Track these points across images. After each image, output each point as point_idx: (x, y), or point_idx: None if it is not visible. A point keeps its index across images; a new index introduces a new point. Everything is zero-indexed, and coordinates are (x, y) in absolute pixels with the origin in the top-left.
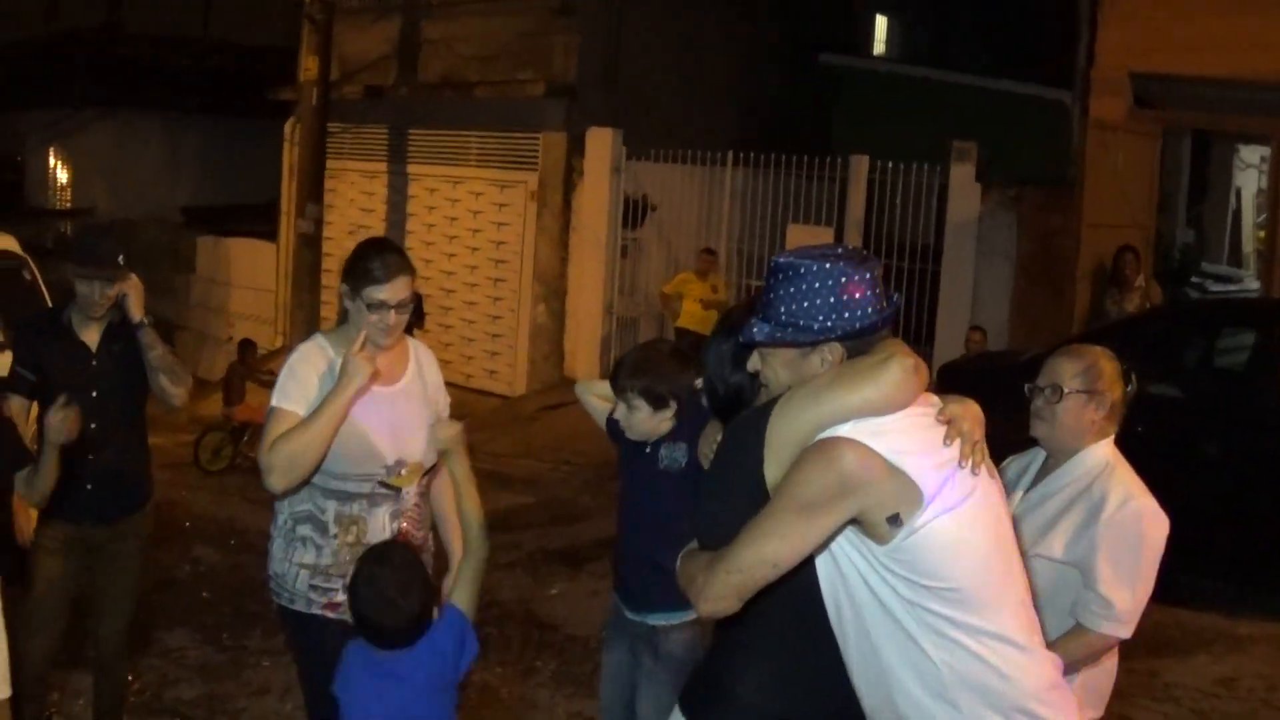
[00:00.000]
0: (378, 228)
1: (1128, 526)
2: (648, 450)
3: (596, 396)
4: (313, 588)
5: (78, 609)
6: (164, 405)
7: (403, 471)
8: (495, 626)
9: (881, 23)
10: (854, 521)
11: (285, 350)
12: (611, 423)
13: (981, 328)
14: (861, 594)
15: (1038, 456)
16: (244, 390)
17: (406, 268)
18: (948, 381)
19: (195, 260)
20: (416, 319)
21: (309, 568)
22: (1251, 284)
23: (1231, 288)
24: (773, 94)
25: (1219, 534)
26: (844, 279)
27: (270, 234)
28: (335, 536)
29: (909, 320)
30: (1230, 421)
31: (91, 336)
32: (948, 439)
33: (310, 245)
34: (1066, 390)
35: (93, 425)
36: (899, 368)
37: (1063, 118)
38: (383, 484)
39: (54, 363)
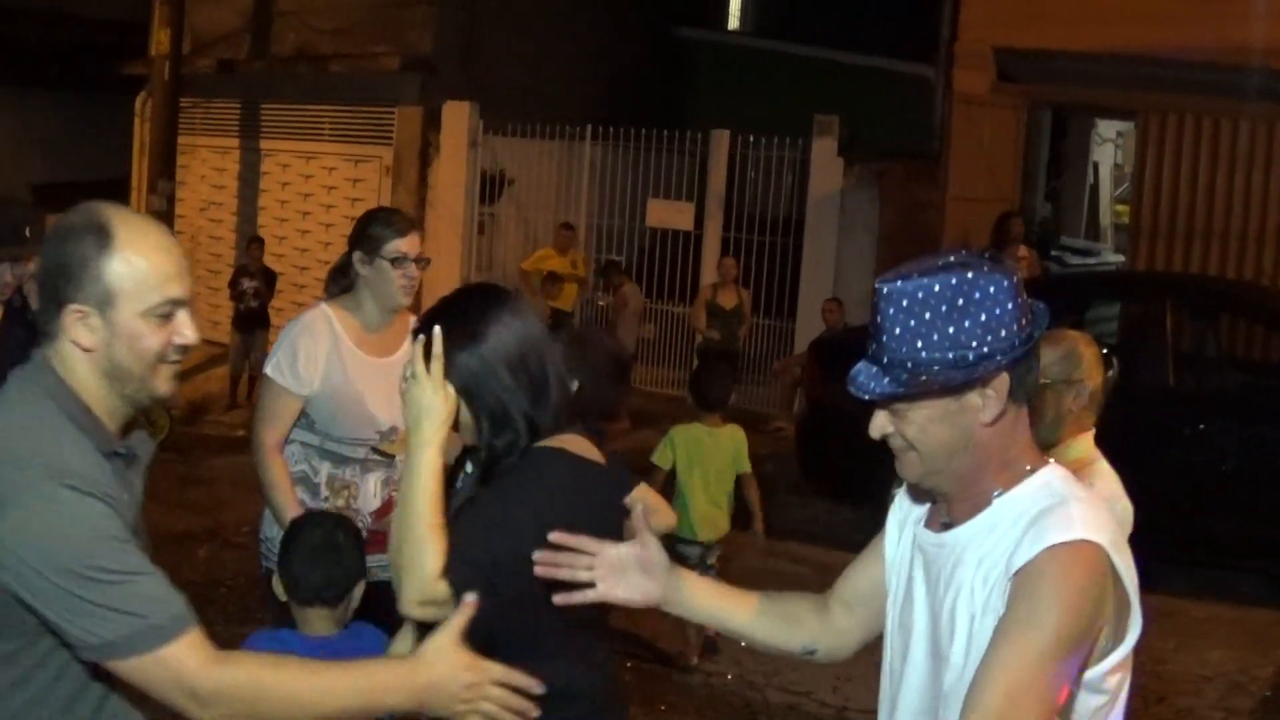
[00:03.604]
0: (230, 204)
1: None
2: None
3: None
4: None
5: None
6: None
7: (395, 439)
8: None
9: None
10: None
11: None
12: None
13: (839, 299)
14: None
15: None
16: None
17: (417, 225)
18: (823, 356)
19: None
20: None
21: None
22: (1109, 257)
23: (1090, 261)
24: (629, 68)
25: None
26: (991, 289)
27: None
28: (326, 500)
29: (771, 294)
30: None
31: None
32: None
33: (162, 223)
34: (1043, 380)
35: None
36: None
37: (925, 93)
38: (375, 450)
39: None
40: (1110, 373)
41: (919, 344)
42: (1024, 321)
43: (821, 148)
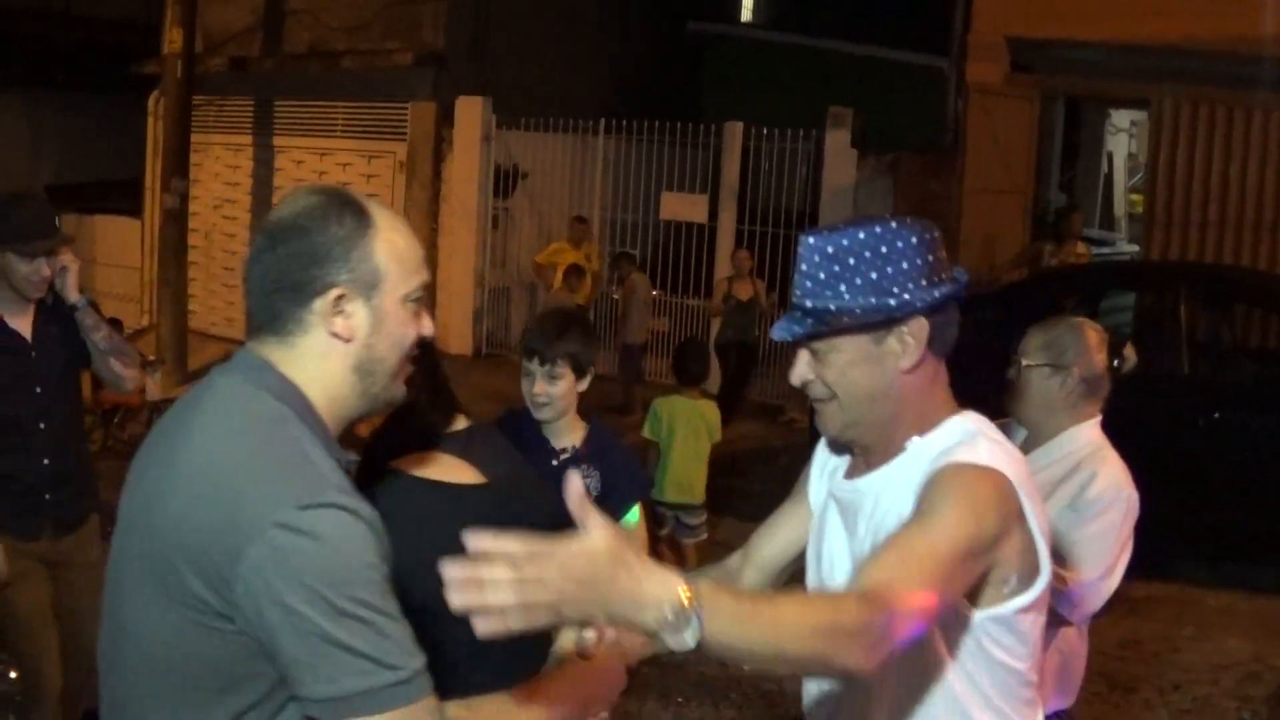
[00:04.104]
0: (244, 201)
1: (1111, 512)
2: (555, 464)
3: None
4: None
5: None
6: (114, 389)
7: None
8: None
9: None
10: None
11: (152, 329)
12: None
13: None
14: None
15: (1015, 434)
16: None
17: None
18: None
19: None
20: None
21: None
22: (1125, 247)
23: (1105, 250)
24: (642, 61)
25: None
26: (913, 239)
27: (135, 210)
28: None
29: (785, 286)
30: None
31: (24, 323)
32: None
33: (176, 221)
34: (1026, 364)
35: (41, 425)
36: None
37: (938, 84)
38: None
39: None
40: (1118, 362)
41: (841, 287)
42: (944, 276)
43: (835, 140)
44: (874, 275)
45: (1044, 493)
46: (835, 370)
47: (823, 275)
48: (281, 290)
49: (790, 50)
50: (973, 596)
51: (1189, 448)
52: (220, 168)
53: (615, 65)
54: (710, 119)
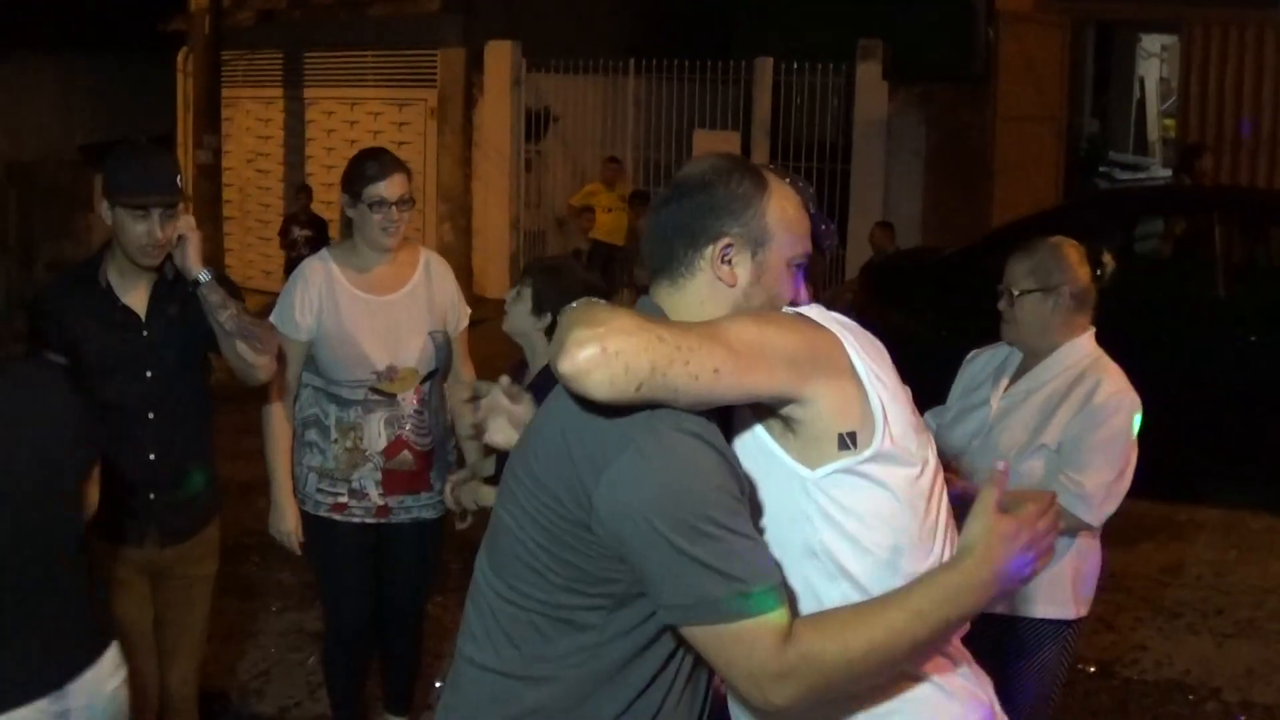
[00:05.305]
0: (276, 154)
1: (1119, 416)
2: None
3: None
4: (320, 490)
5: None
6: (243, 379)
7: (394, 378)
8: (456, 557)
9: None
10: None
11: None
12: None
13: (887, 223)
14: None
15: (1013, 353)
16: None
17: (401, 166)
18: (874, 281)
19: (94, 199)
20: (319, 239)
21: (316, 470)
22: (1158, 172)
23: (1139, 176)
24: None
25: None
26: None
27: None
28: (335, 441)
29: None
30: (1153, 308)
31: (138, 299)
32: None
33: (209, 176)
34: (1017, 292)
35: (151, 416)
36: None
37: (968, 13)
38: (374, 390)
39: (91, 338)
40: (1100, 271)
41: None
42: None
43: (866, 72)
44: None
45: (1050, 405)
46: None
47: None
48: (680, 235)
49: None
50: (808, 459)
51: (1226, 371)
52: (251, 122)
53: (643, 3)
54: (740, 55)
